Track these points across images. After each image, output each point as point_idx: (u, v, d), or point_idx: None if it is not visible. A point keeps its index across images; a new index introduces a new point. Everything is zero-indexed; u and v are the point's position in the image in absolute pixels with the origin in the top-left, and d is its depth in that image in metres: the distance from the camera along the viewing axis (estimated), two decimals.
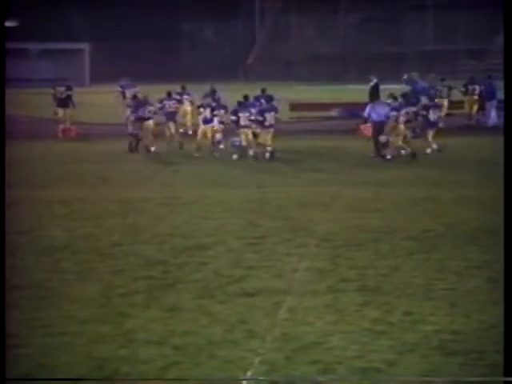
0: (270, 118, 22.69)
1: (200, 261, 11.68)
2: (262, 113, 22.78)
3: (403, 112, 22.74)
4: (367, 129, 28.34)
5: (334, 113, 31.53)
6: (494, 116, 29.32)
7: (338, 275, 10.89)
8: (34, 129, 28.98)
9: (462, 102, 30.57)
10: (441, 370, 7.78)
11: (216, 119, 23.15)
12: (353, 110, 31.61)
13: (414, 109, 23.40)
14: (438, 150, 23.10)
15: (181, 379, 7.73)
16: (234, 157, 22.49)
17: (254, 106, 23.29)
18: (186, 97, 27.99)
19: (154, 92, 28.33)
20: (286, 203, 16.10)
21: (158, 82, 31.61)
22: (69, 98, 28.28)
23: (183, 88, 28.45)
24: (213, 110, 23.44)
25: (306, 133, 28.33)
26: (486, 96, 29.52)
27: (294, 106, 33.62)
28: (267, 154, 22.41)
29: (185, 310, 9.53)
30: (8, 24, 68.29)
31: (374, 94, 26.69)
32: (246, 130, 22.66)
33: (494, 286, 10.03)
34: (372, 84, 28.55)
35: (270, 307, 9.60)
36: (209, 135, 23.15)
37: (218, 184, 18.60)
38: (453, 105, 30.02)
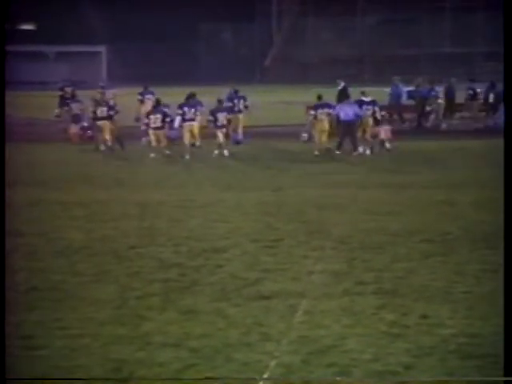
0: (221, 118, 24.14)
1: (216, 263, 11.69)
2: (213, 113, 24.29)
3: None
4: (385, 131, 28.30)
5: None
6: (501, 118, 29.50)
7: (355, 278, 10.87)
8: (50, 131, 29.13)
9: (461, 104, 30.76)
10: (458, 374, 7.76)
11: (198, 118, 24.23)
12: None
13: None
14: (388, 150, 24.19)
15: (181, 379, 7.74)
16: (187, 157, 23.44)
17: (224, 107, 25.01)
18: (148, 96, 28.36)
19: (171, 95, 28.43)
20: (302, 205, 16.09)
21: (174, 84, 31.69)
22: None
23: (145, 88, 29.11)
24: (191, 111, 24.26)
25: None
26: (495, 99, 29.63)
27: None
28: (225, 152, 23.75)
29: (201, 313, 9.54)
30: (25, 27, 68.85)
31: (343, 97, 27.40)
32: (222, 129, 24.08)
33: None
34: (340, 88, 29.04)
35: (286, 310, 9.60)
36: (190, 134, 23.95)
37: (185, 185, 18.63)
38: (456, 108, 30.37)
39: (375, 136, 24.83)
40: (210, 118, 24.25)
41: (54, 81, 34.23)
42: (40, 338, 8.74)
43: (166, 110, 24.76)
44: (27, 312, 9.58)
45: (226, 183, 19.03)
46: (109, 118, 25.15)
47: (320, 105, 24.90)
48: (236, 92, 27.22)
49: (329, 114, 24.58)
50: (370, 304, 9.77)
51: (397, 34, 65.20)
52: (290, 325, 9.10)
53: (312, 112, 24.81)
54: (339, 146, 24.23)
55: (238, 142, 26.15)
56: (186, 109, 24.27)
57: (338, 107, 25.04)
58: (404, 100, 31.04)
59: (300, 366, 7.96)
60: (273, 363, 8.02)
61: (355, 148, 24.11)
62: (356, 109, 24.58)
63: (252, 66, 67.49)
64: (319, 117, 24.44)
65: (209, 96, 29.97)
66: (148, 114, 24.61)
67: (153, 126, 24.04)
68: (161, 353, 8.32)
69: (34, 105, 30.18)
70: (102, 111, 25.22)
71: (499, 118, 29.59)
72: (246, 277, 10.96)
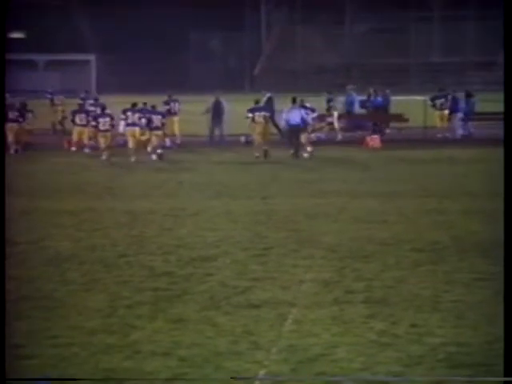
0: (156, 121, 25.50)
1: (206, 272, 11.68)
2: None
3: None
4: (373, 140, 28.49)
5: (340, 124, 31.55)
6: (459, 128, 30.37)
7: (344, 287, 10.88)
8: (40, 139, 29.11)
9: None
10: (447, 383, 7.77)
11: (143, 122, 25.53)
12: (358, 122, 31.69)
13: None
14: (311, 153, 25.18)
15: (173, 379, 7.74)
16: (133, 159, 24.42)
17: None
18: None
19: (161, 102, 28.48)
20: (292, 214, 16.10)
21: (163, 92, 31.81)
22: None
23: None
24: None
25: (312, 144, 28.30)
26: (453, 109, 30.28)
27: None
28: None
29: (190, 322, 9.52)
30: (15, 35, 68.80)
31: (269, 107, 28.35)
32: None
33: (501, 298, 10.00)
34: (265, 98, 29.57)
35: (276, 319, 9.59)
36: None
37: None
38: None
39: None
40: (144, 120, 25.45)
41: (43, 89, 34.21)
42: (30, 347, 8.71)
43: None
44: (17, 321, 9.55)
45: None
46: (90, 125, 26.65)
47: (257, 108, 26.46)
48: (170, 96, 29.46)
49: (265, 117, 26.08)
50: (360, 313, 9.77)
51: (385, 43, 65.43)
52: (280, 333, 9.10)
53: (250, 115, 26.05)
54: (295, 151, 25.28)
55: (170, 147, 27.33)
56: (129, 114, 25.52)
57: (284, 113, 26.32)
58: (356, 109, 31.64)
59: (290, 375, 7.95)
60: (262, 372, 8.02)
61: (297, 151, 25.23)
62: (302, 113, 25.73)
63: (241, 74, 67.59)
64: (257, 119, 25.80)
65: (196, 105, 30.19)
66: (96, 118, 26.03)
67: (102, 128, 25.49)
68: (150, 362, 8.30)
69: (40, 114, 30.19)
70: (81, 118, 27.23)
71: (461, 128, 30.20)
72: (235, 285, 10.96)
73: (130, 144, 25.08)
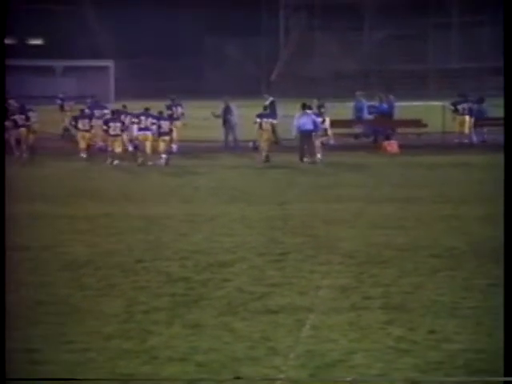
0: (164, 126, 25.80)
1: (223, 277, 11.66)
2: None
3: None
4: (390, 145, 28.41)
5: (357, 129, 31.53)
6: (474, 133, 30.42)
7: (362, 293, 10.83)
8: (57, 145, 29.25)
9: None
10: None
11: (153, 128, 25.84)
12: (376, 127, 31.60)
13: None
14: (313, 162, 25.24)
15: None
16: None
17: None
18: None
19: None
20: (309, 220, 16.06)
21: (181, 98, 31.87)
22: None
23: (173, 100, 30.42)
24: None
25: (330, 149, 28.30)
26: (472, 114, 30.37)
27: None
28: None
29: (208, 327, 9.50)
30: (33, 42, 69.12)
31: (272, 111, 28.50)
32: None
33: None
34: (267, 102, 29.73)
35: (293, 324, 9.55)
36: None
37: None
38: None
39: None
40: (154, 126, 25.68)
41: (61, 96, 34.38)
42: (45, 352, 8.70)
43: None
44: (33, 326, 9.56)
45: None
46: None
47: (265, 114, 26.74)
48: (173, 100, 29.74)
49: (272, 124, 26.38)
50: (378, 319, 9.72)
51: (403, 49, 65.31)
52: (298, 339, 9.05)
53: (258, 120, 26.29)
54: (301, 156, 25.45)
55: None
56: (142, 118, 25.78)
57: (295, 120, 26.31)
58: (365, 115, 31.68)
59: (307, 381, 7.90)
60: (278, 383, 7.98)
61: (312, 156, 25.38)
62: (314, 119, 25.92)
63: (258, 80, 67.60)
64: (264, 126, 26.00)
65: (211, 110, 30.22)
66: (107, 122, 26.39)
67: (112, 133, 25.84)
68: (167, 367, 8.28)
69: (42, 119, 30.27)
70: (84, 124, 27.54)
71: (485, 133, 30.13)
72: (252, 291, 10.93)
73: (147, 149, 25.35)
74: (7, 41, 67.87)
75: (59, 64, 62.75)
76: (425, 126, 30.88)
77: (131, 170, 24.36)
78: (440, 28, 65.29)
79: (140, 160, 25.05)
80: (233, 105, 30.26)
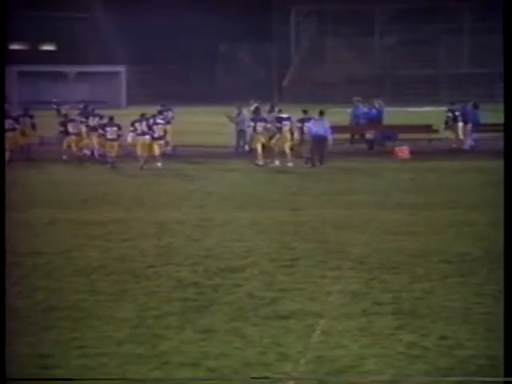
0: (158, 130, 26.29)
1: (233, 283, 11.68)
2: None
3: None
4: (402, 151, 28.41)
5: (369, 135, 31.53)
6: (470, 139, 30.47)
7: (373, 298, 10.83)
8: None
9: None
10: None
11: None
12: (387, 133, 31.60)
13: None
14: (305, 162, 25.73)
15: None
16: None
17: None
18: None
19: (191, 113, 28.62)
20: (320, 225, 16.07)
21: (193, 104, 31.96)
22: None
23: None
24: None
25: (342, 155, 28.34)
26: (464, 121, 30.54)
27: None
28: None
29: (218, 332, 9.52)
30: (45, 48, 69.34)
31: (257, 116, 28.56)
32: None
33: None
34: (252, 108, 29.89)
35: (304, 330, 9.56)
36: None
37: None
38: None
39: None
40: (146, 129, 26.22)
41: (74, 101, 34.56)
42: (57, 357, 8.74)
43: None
44: (45, 331, 9.60)
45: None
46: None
47: (258, 119, 27.14)
48: (163, 106, 30.73)
49: (265, 128, 26.67)
50: (389, 325, 9.72)
51: (414, 54, 65.26)
52: (308, 345, 9.06)
53: (252, 124, 26.93)
54: (312, 160, 25.77)
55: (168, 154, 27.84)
56: (137, 125, 26.20)
57: (309, 123, 26.60)
58: (362, 121, 32.04)
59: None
60: (291, 383, 7.99)
61: (322, 161, 25.68)
62: (326, 125, 26.23)
63: (270, 85, 67.65)
64: (258, 129, 26.52)
65: (223, 116, 30.27)
66: (104, 127, 27.02)
67: (109, 137, 26.49)
68: (178, 372, 8.30)
69: (54, 124, 30.41)
70: (73, 127, 28.39)
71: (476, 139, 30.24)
72: (263, 296, 10.94)
73: (145, 152, 25.92)
74: (21, 47, 68.36)
75: (72, 69, 62.99)
76: (436, 131, 30.90)
77: (140, 175, 24.42)
78: (451, 33, 65.24)
79: (142, 162, 25.56)
80: (245, 110, 30.33)
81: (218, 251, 13.74)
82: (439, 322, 9.80)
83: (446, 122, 30.71)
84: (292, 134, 26.85)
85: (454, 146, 30.41)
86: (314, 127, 26.24)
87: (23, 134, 28.91)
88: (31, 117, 29.75)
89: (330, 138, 26.16)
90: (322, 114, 26.66)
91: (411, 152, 28.34)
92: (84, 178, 24.35)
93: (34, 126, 29.49)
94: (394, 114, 37.59)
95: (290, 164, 26.09)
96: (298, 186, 22.11)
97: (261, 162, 26.03)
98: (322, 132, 26.02)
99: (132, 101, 57.62)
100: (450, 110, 31.13)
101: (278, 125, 26.72)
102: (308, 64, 68.09)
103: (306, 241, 14.52)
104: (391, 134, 31.49)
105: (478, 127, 30.72)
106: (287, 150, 26.48)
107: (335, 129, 27.91)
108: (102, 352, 8.87)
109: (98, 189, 21.69)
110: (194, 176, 24.29)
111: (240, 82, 64.92)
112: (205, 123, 39.80)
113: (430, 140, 30.94)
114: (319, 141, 25.92)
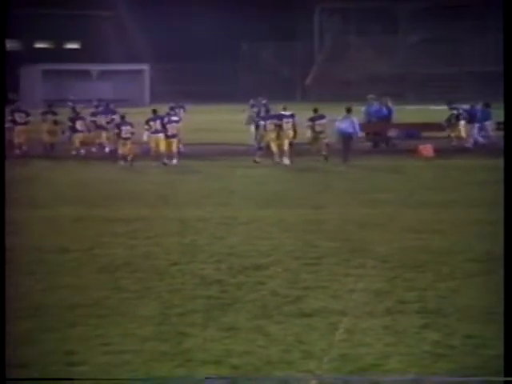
0: (171, 128, 26.48)
1: (257, 280, 11.68)
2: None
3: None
4: (426, 149, 28.29)
5: (392, 133, 31.42)
6: (474, 137, 30.45)
7: (396, 297, 10.79)
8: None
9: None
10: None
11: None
12: (410, 131, 31.47)
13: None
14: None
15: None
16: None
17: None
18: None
19: (215, 112, 28.67)
20: (343, 223, 16.04)
21: (215, 102, 32.03)
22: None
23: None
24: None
25: (364, 153, 28.28)
26: (469, 120, 30.46)
27: None
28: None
29: (242, 330, 9.52)
30: (70, 46, 69.64)
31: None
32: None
33: None
34: (255, 109, 30.21)
35: (327, 328, 9.55)
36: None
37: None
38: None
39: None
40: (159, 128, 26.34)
41: (98, 99, 34.67)
42: (82, 353, 8.78)
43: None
44: (70, 328, 9.65)
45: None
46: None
47: (269, 116, 27.17)
48: (176, 103, 30.31)
49: (276, 125, 26.46)
50: (413, 323, 9.68)
51: (438, 52, 64.98)
52: (332, 343, 9.05)
53: (262, 122, 26.87)
54: (345, 157, 25.82)
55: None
56: (151, 123, 26.37)
57: (338, 122, 26.79)
58: (373, 119, 31.97)
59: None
60: (314, 382, 7.98)
61: (346, 159, 25.69)
62: (354, 121, 26.44)
63: (293, 84, 67.60)
64: (268, 127, 26.43)
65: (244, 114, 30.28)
66: (119, 126, 27.15)
67: (124, 136, 26.62)
68: (202, 370, 8.31)
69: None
70: (81, 124, 29.03)
71: (483, 136, 30.13)
72: (287, 294, 10.94)
73: (161, 150, 26.14)
74: (45, 45, 68.78)
75: (95, 68, 63.25)
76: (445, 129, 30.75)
77: (160, 173, 24.49)
78: (476, 31, 64.88)
79: (163, 159, 25.79)
80: (255, 109, 30.39)
81: (241, 249, 13.75)
82: (465, 321, 9.75)
83: (449, 120, 30.48)
84: (295, 131, 26.66)
85: (454, 143, 30.19)
86: (341, 124, 26.37)
87: (48, 131, 29.40)
88: (54, 113, 30.11)
89: (359, 134, 26.41)
90: (349, 111, 26.64)
91: (435, 150, 28.21)
92: (102, 175, 24.41)
93: (56, 123, 29.79)
94: (417, 112, 37.44)
95: (286, 161, 25.88)
96: (322, 183, 22.07)
97: (258, 160, 25.99)
98: (350, 129, 26.18)
99: (155, 99, 57.74)
100: (453, 108, 30.93)
101: (279, 122, 26.57)
102: (331, 62, 67.96)
103: (329, 239, 14.49)
104: (414, 132, 31.36)
105: (499, 125, 30.48)
106: (285, 147, 26.30)
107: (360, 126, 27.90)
108: (127, 349, 8.90)
109: (119, 186, 21.78)
110: (219, 173, 24.27)
111: (263, 81, 64.89)
112: (227, 121, 39.83)
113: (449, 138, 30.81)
114: (347, 138, 26.10)
